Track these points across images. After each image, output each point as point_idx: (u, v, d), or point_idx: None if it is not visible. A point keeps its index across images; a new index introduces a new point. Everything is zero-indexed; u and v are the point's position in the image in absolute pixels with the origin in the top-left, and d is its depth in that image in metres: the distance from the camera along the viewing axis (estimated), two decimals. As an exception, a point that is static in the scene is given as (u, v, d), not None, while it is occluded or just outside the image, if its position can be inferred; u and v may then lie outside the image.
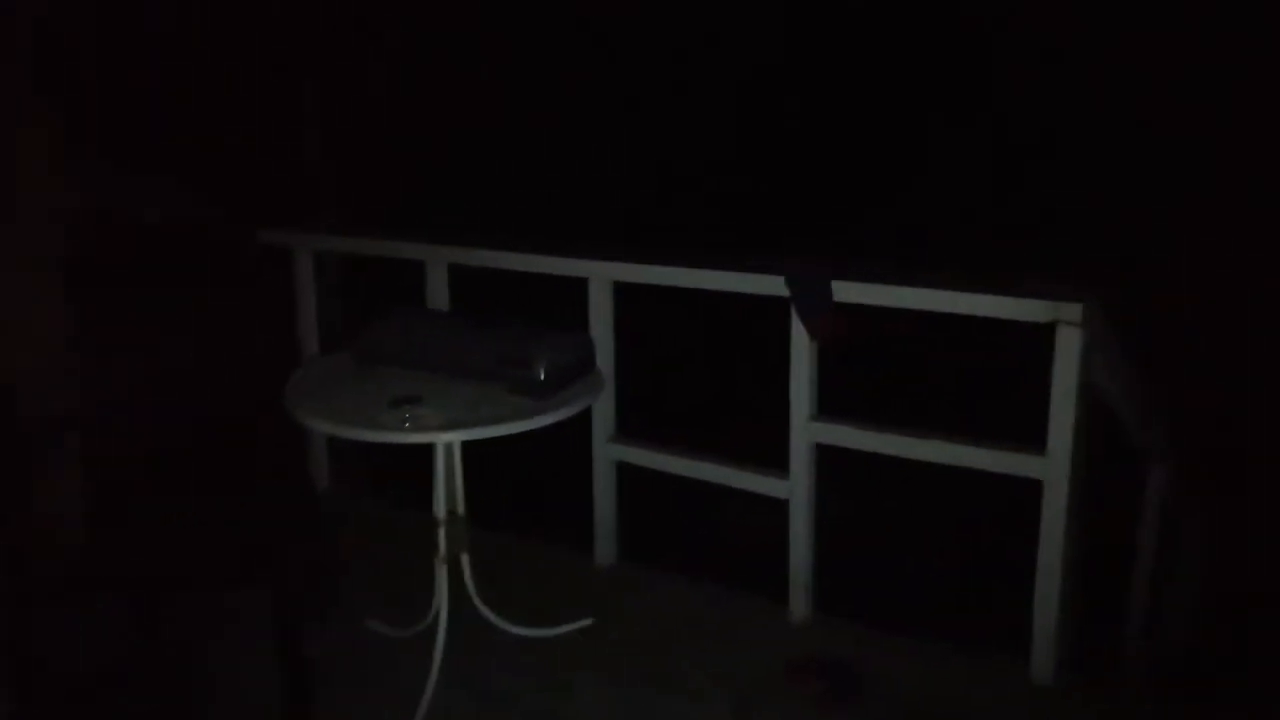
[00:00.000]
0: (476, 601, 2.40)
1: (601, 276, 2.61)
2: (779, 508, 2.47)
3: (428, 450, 2.22)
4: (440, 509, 2.28)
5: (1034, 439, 2.13)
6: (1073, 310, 2.04)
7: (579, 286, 2.64)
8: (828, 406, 2.41)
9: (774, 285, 2.34)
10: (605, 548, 2.77)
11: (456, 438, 2.07)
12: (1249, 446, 4.18)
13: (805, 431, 2.39)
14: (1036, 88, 5.43)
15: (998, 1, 5.36)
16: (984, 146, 5.59)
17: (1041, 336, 2.10)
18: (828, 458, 2.43)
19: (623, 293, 2.63)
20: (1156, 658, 3.14)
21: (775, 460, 2.44)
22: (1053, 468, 2.10)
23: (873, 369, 3.89)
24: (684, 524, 3.25)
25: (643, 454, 2.65)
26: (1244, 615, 3.69)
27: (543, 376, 2.16)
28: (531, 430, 2.06)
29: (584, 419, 2.56)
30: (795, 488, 2.42)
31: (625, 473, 2.72)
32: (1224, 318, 4.52)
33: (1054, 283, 2.11)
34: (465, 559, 2.38)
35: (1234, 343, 4.45)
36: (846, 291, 2.27)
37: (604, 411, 2.65)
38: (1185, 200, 4.61)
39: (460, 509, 2.33)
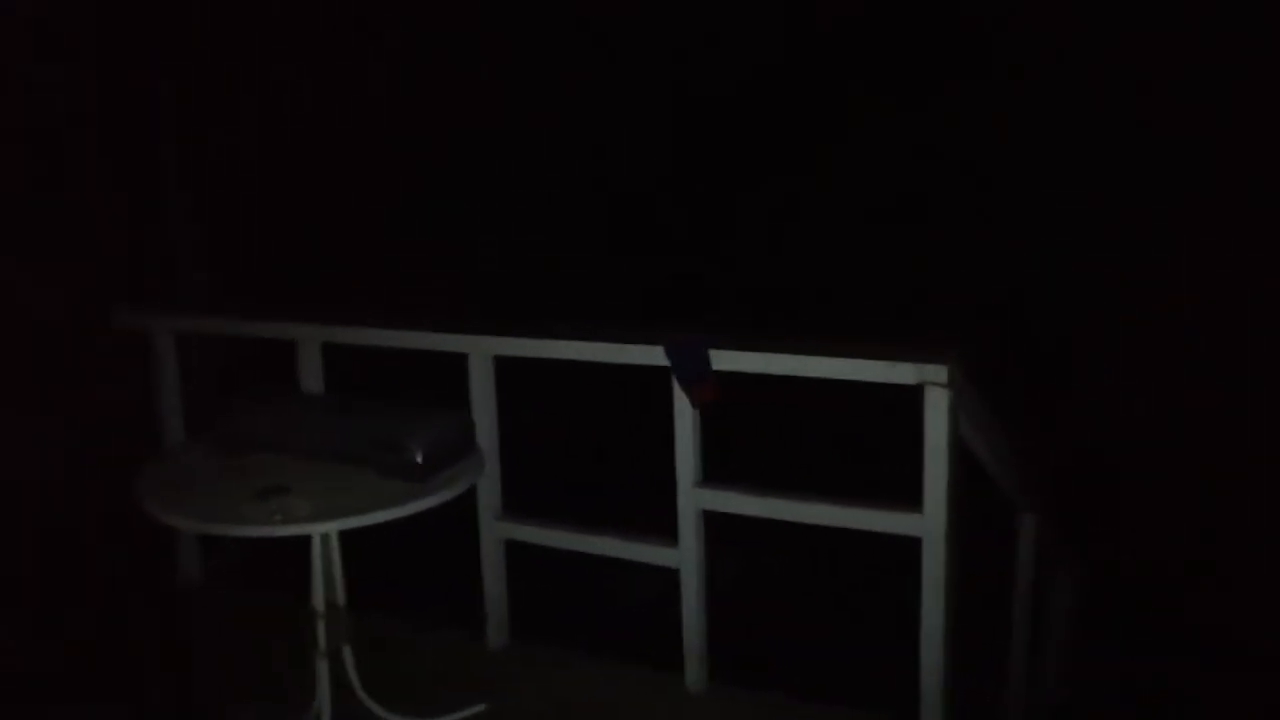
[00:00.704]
0: (361, 695, 2.30)
1: (481, 351, 2.58)
2: (672, 577, 2.45)
3: (304, 539, 2.13)
4: (318, 601, 2.18)
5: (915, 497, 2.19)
6: (938, 372, 2.11)
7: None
8: (715, 473, 2.42)
9: (653, 355, 2.36)
10: (497, 629, 2.70)
11: (331, 528, 2.01)
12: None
13: (692, 498, 2.39)
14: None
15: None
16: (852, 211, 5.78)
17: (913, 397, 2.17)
18: (720, 524, 2.44)
19: (508, 368, 2.61)
20: (1035, 705, 3.23)
21: (668, 529, 2.44)
22: (929, 525, 2.15)
23: (760, 433, 3.96)
24: (576, 599, 3.21)
25: (531, 530, 2.61)
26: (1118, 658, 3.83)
27: (419, 459, 2.11)
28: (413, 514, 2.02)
29: (470, 497, 2.51)
30: (685, 556, 2.41)
31: (514, 550, 2.67)
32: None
33: (921, 345, 2.18)
34: (347, 651, 2.28)
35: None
36: (724, 359, 2.30)
37: (489, 489, 2.60)
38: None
39: (340, 599, 2.24)
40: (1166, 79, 4.67)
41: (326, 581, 2.20)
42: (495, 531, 2.63)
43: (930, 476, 2.14)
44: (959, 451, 2.18)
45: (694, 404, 2.34)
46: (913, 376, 2.13)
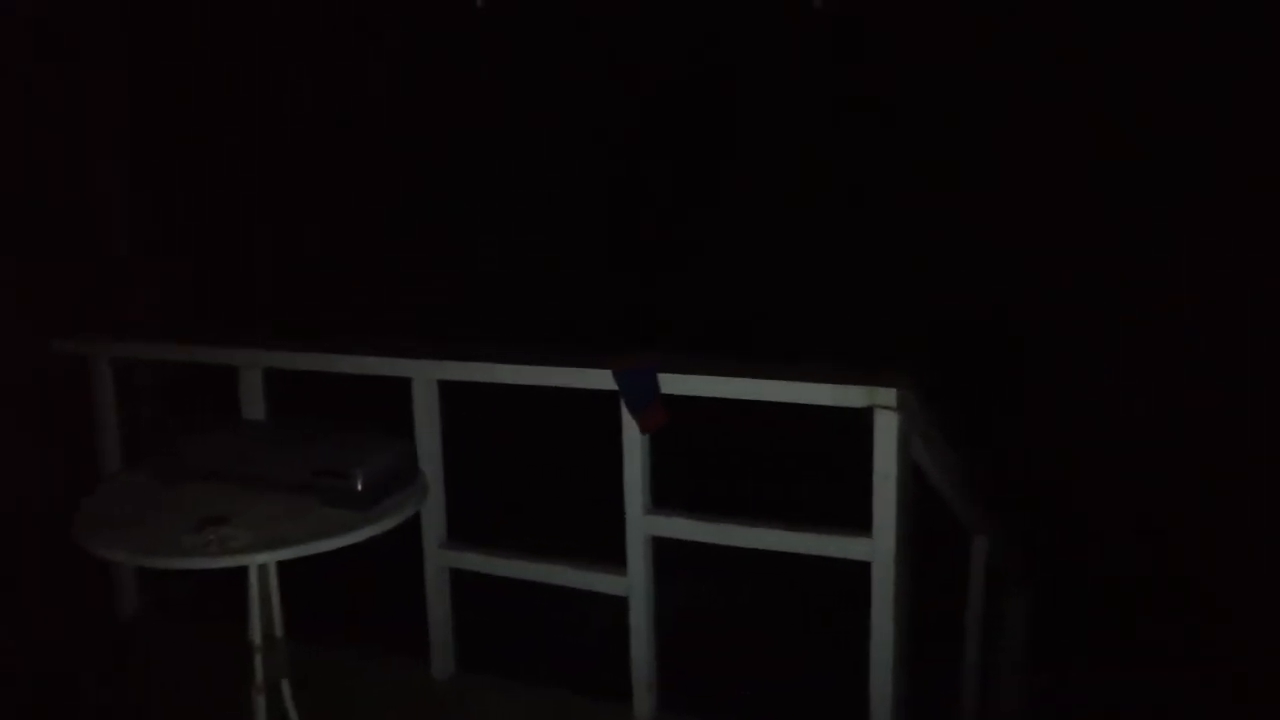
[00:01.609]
0: (300, 730, 2.22)
1: (425, 376, 2.53)
2: (621, 605, 2.42)
3: (244, 570, 2.07)
4: (256, 634, 2.12)
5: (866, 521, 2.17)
6: (888, 395, 2.10)
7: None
8: (664, 499, 2.39)
9: (601, 379, 2.33)
10: (442, 659, 2.64)
11: (270, 558, 1.95)
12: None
13: (640, 525, 2.36)
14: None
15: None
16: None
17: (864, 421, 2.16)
18: (672, 550, 2.41)
19: (452, 393, 2.56)
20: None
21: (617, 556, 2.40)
22: (878, 549, 2.13)
23: (713, 458, 3.93)
24: (523, 628, 3.15)
25: (476, 558, 2.56)
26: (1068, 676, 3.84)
27: (360, 487, 2.06)
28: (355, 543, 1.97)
29: (414, 525, 2.46)
30: (633, 584, 2.38)
31: (460, 579, 2.62)
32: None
33: (872, 368, 2.17)
34: (286, 685, 2.21)
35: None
36: (673, 383, 2.28)
37: (433, 516, 2.55)
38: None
39: (279, 631, 2.17)
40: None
41: (264, 613, 2.13)
42: (439, 559, 2.58)
43: (879, 500, 2.13)
44: (909, 475, 2.18)
45: (642, 430, 2.31)
46: (862, 400, 2.12)
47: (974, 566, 3.04)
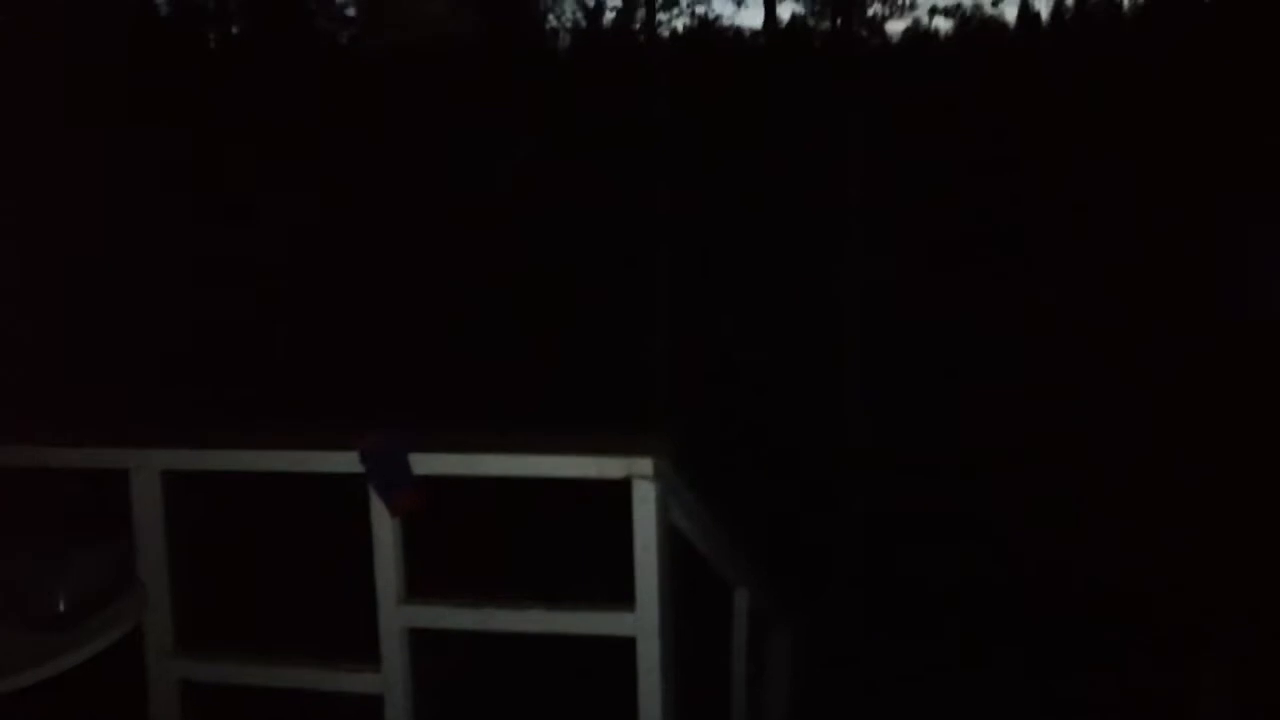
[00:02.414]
0: None
1: (147, 467, 2.26)
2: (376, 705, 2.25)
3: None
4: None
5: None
6: (645, 465, 2.09)
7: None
8: (422, 588, 2.25)
9: (348, 462, 2.17)
10: (174, 782, 2.35)
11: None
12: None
13: (396, 616, 2.21)
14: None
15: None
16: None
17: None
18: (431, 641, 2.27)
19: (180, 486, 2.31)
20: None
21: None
22: (642, 624, 2.10)
23: (477, 536, 3.80)
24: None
25: (210, 668, 2.31)
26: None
27: (62, 607, 1.79)
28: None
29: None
30: (389, 680, 2.22)
31: (192, 691, 2.34)
32: None
33: (627, 439, 2.15)
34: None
35: None
36: (426, 462, 2.16)
37: (159, 625, 2.27)
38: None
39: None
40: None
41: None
42: (168, 672, 2.29)
43: (641, 573, 2.10)
44: (669, 543, 2.17)
45: (393, 513, 2.17)
46: (621, 471, 2.10)
47: (737, 617, 3.10)
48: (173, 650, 2.30)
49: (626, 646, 2.14)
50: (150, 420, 2.45)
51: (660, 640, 2.11)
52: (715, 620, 3.03)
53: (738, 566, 2.90)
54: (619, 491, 2.11)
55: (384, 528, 2.20)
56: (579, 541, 4.23)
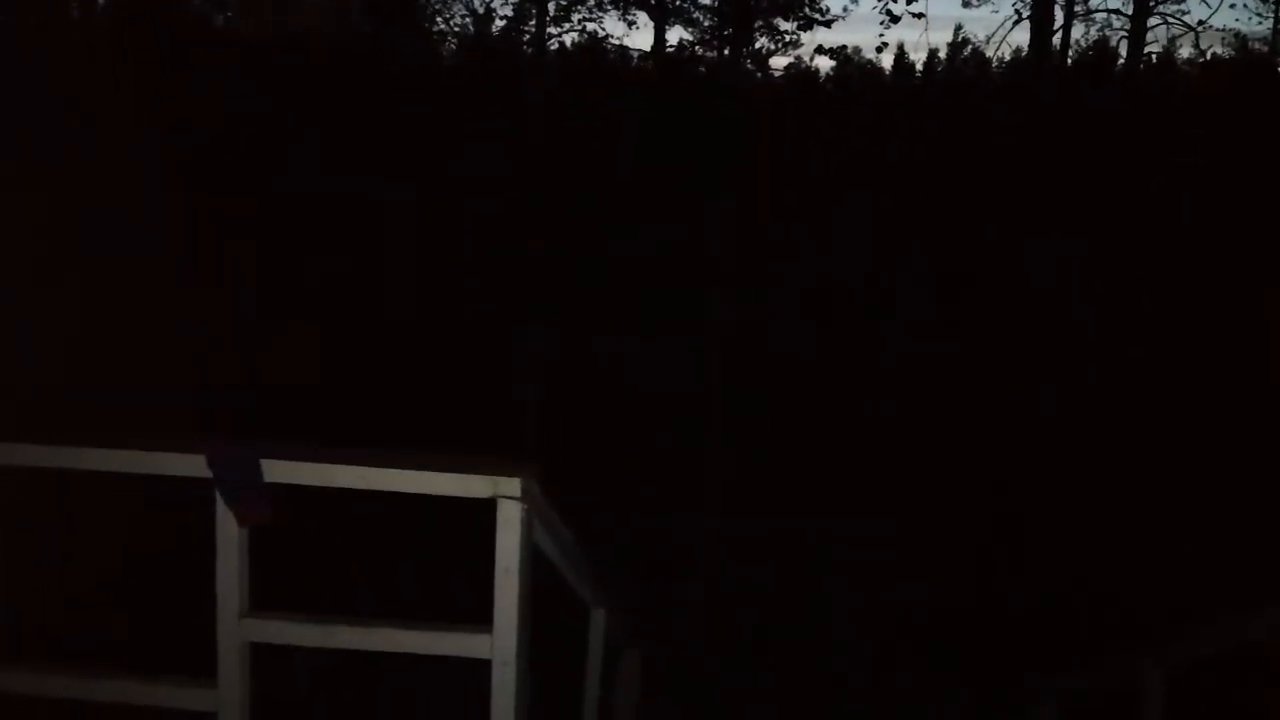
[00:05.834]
0: None
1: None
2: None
3: None
4: None
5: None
6: (512, 484, 2.05)
7: None
8: (266, 601, 2.14)
9: (194, 465, 2.05)
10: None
11: None
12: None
13: (236, 631, 2.09)
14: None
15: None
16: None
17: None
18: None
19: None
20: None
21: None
22: (499, 646, 2.06)
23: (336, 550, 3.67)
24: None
25: (25, 678, 2.13)
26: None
27: None
28: None
29: None
30: (225, 698, 2.09)
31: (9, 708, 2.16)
32: None
33: (494, 459, 2.11)
34: None
35: None
36: (278, 471, 2.06)
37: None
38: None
39: None
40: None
41: None
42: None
43: (501, 595, 2.06)
44: (530, 565, 2.13)
45: (241, 523, 2.06)
46: (486, 490, 2.06)
47: (593, 636, 3.09)
48: (-17, 662, 2.12)
49: (481, 668, 2.09)
50: None
51: (516, 664, 2.07)
52: (570, 641, 3.01)
53: (596, 587, 2.89)
54: (484, 511, 2.07)
55: (229, 537, 2.08)
56: (438, 561, 4.15)
